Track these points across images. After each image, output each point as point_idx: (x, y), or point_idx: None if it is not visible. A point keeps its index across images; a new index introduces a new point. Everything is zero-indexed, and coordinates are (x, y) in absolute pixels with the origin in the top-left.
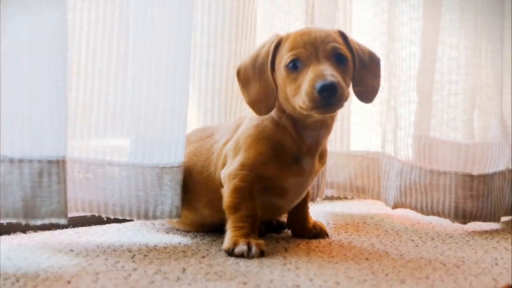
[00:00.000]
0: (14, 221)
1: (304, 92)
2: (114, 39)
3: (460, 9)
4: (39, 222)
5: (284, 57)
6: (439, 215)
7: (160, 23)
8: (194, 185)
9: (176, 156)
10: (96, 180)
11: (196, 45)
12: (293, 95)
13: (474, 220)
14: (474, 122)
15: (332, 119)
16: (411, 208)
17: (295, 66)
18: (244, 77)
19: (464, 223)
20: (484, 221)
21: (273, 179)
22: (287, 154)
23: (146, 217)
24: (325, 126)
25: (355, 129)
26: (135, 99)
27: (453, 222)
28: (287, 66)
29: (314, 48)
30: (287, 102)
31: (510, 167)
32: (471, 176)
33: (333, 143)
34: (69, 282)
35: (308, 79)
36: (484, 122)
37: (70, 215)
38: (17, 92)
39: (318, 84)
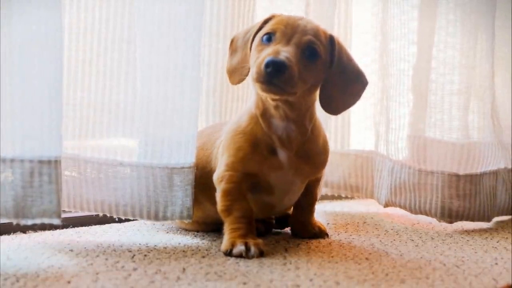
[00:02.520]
0: (5, 220)
1: (256, 64)
2: (124, 38)
3: (456, 9)
4: (29, 222)
5: (263, 29)
6: (426, 214)
7: (168, 21)
8: (200, 178)
9: (186, 156)
10: (107, 180)
11: None
12: (252, 65)
13: (461, 219)
14: (466, 122)
15: (298, 115)
16: (400, 207)
17: (268, 39)
18: (234, 46)
19: (451, 222)
20: (472, 220)
21: (257, 174)
22: (262, 145)
23: (156, 218)
24: (291, 120)
25: (351, 128)
26: (145, 98)
27: (439, 222)
28: (261, 37)
29: (292, 32)
30: None
31: (509, 167)
32: (457, 176)
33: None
34: (69, 282)
35: (265, 53)
36: (476, 122)
37: (71, 215)
38: (9, 92)
39: (267, 59)
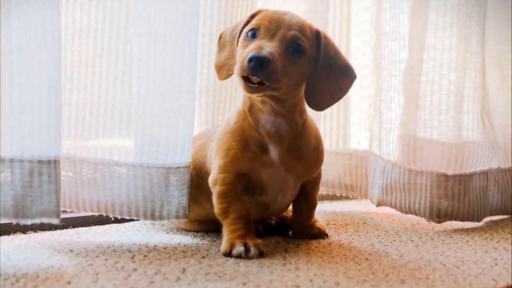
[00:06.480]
0: (4, 220)
1: (240, 59)
2: (121, 38)
3: (446, 12)
4: (29, 222)
5: (249, 25)
6: (415, 214)
7: (164, 21)
8: (197, 179)
9: (183, 156)
10: (103, 180)
11: None
12: (238, 61)
13: (450, 219)
14: (456, 123)
15: (288, 110)
16: (391, 206)
17: (253, 35)
18: (222, 42)
19: (439, 222)
20: (461, 220)
21: (249, 173)
22: (252, 142)
23: (152, 217)
24: (280, 115)
25: (350, 128)
26: (141, 98)
27: (428, 221)
28: (246, 33)
29: (276, 27)
30: None
31: (502, 167)
32: (446, 176)
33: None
34: (69, 282)
35: (249, 48)
36: (465, 122)
37: (71, 215)
38: (8, 92)
39: (250, 54)
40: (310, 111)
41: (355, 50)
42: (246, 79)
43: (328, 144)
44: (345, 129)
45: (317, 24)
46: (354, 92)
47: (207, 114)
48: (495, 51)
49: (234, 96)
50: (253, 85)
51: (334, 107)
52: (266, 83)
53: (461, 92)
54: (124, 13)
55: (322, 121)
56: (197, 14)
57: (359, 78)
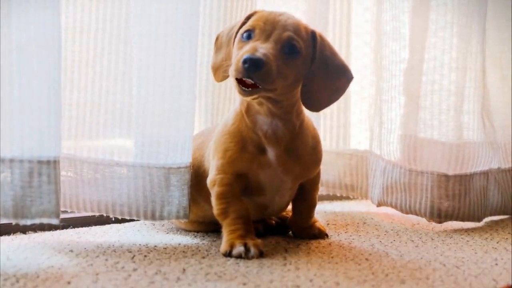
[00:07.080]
0: (4, 220)
1: (235, 61)
2: (121, 38)
3: (447, 12)
4: (29, 222)
5: (244, 26)
6: (416, 214)
7: (165, 21)
8: (195, 178)
9: (183, 156)
10: (104, 180)
11: None
12: (233, 63)
13: (450, 219)
14: (457, 123)
15: (284, 111)
16: (392, 206)
17: (248, 37)
18: (219, 43)
19: (440, 222)
20: (462, 220)
21: (247, 174)
22: (249, 143)
23: (153, 217)
24: (277, 116)
25: (351, 128)
26: (141, 98)
27: (429, 221)
28: (242, 34)
29: (271, 28)
30: None
31: (502, 167)
32: (446, 176)
33: (323, 141)
34: (69, 282)
35: (244, 50)
36: (466, 122)
37: (71, 215)
38: (8, 92)
39: (245, 56)
40: (309, 112)
41: (355, 50)
42: (240, 81)
43: (328, 144)
44: (346, 129)
45: (317, 24)
46: (355, 92)
47: (206, 114)
48: (496, 51)
49: (234, 97)
50: (247, 89)
51: (334, 107)
52: (261, 85)
53: (462, 92)
54: (124, 13)
55: (322, 121)
56: (197, 14)
57: (360, 78)
